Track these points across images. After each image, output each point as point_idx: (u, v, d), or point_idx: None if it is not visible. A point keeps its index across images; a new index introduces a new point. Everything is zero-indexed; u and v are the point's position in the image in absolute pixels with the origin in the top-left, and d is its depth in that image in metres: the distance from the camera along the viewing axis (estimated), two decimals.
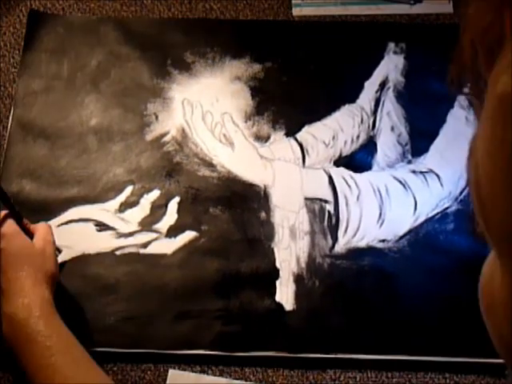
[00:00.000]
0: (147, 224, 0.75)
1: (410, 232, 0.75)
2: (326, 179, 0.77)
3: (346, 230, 0.75)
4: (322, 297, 0.72)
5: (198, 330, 0.70)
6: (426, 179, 0.77)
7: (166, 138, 0.79)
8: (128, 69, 0.83)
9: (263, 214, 0.75)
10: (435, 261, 0.74)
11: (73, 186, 0.76)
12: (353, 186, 0.77)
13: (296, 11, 0.88)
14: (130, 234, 0.74)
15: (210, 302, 0.71)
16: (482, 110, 0.28)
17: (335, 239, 0.75)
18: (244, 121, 0.80)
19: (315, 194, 0.76)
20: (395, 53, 0.84)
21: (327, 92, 0.82)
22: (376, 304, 0.72)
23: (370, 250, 0.74)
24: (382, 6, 0.88)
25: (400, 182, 0.77)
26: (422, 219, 0.75)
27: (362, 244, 0.74)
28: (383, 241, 0.75)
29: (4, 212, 0.66)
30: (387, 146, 0.79)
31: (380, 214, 0.76)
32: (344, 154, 0.79)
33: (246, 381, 0.70)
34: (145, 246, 0.74)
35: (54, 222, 0.74)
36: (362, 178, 0.78)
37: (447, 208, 0.76)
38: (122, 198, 0.76)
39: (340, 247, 0.74)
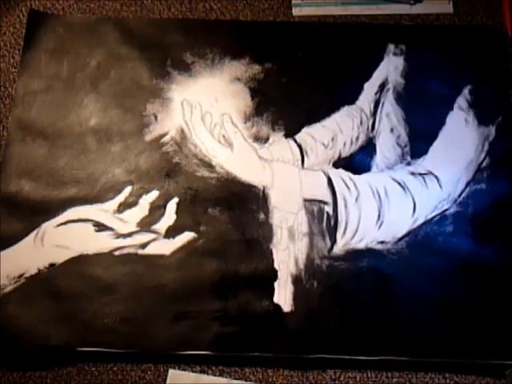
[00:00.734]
0: (146, 224, 0.75)
1: (408, 234, 0.75)
2: (325, 180, 0.77)
3: (344, 232, 0.75)
4: (321, 298, 0.72)
5: (196, 331, 0.70)
6: (425, 181, 0.77)
7: (165, 139, 0.79)
8: (127, 69, 0.83)
9: (262, 215, 0.75)
10: (434, 263, 0.74)
11: (71, 186, 0.77)
12: (352, 188, 0.77)
13: (296, 11, 0.88)
14: (129, 235, 0.74)
15: (208, 303, 0.71)
16: None
17: (334, 241, 0.75)
18: (243, 122, 0.80)
19: (314, 195, 0.76)
20: (395, 54, 0.84)
21: (327, 93, 0.82)
22: (374, 306, 0.72)
23: (368, 252, 0.74)
24: (382, 5, 0.88)
25: (399, 183, 0.77)
26: (420, 221, 0.75)
27: (361, 246, 0.75)
28: (382, 242, 0.75)
29: None
30: (386, 147, 0.79)
31: (379, 216, 0.76)
32: (343, 156, 0.79)
33: (246, 381, 0.70)
34: (143, 246, 0.74)
35: (52, 222, 0.74)
36: (360, 179, 0.78)
37: (446, 210, 0.76)
38: (120, 198, 0.76)
39: (338, 249, 0.74)
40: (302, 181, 0.77)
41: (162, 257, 0.74)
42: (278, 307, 0.71)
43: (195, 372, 0.70)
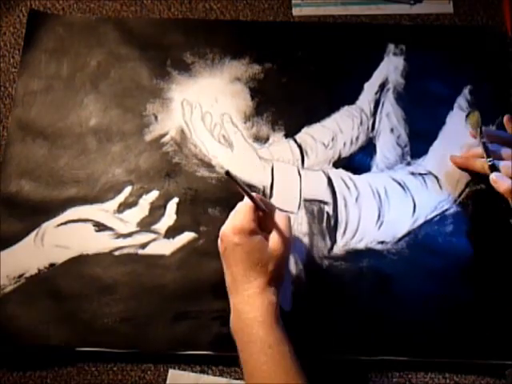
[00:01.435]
0: (146, 225, 0.75)
1: (408, 234, 0.75)
2: (325, 180, 0.77)
3: (344, 232, 0.75)
4: (320, 298, 0.72)
5: (196, 331, 0.71)
6: (424, 181, 0.78)
7: (165, 139, 0.79)
8: (127, 69, 0.83)
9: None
10: (434, 263, 0.74)
11: (72, 186, 0.77)
12: (352, 188, 0.77)
13: (296, 11, 0.88)
14: (129, 235, 0.74)
15: (209, 303, 0.71)
16: None
17: (334, 241, 0.75)
18: (243, 122, 0.80)
19: (314, 195, 0.76)
20: (395, 54, 0.84)
21: (327, 93, 0.82)
22: (374, 305, 0.72)
23: (368, 252, 0.74)
24: (382, 5, 0.88)
25: (399, 183, 0.77)
26: (420, 221, 0.75)
27: (361, 246, 0.75)
28: (382, 242, 0.75)
29: (246, 206, 0.66)
30: (386, 147, 0.79)
31: (379, 216, 0.76)
32: (343, 156, 0.79)
33: None
34: (143, 246, 0.74)
35: (52, 222, 0.75)
36: (360, 179, 0.78)
37: (446, 210, 0.76)
38: (120, 198, 0.76)
39: (338, 249, 0.74)
40: (302, 181, 0.77)
41: (162, 257, 0.74)
42: None
43: (195, 372, 0.70)
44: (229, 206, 0.74)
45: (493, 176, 0.72)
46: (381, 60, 0.83)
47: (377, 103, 0.81)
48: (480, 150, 0.75)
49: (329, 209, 0.76)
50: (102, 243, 0.74)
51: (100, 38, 0.84)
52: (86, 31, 0.84)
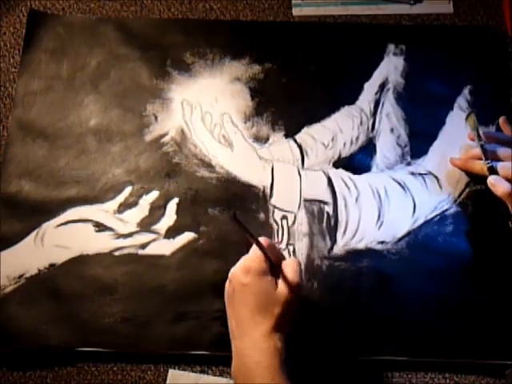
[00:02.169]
0: (146, 225, 0.75)
1: (408, 234, 0.75)
2: (325, 180, 0.77)
3: (344, 232, 0.75)
4: (321, 298, 0.72)
5: (197, 331, 0.71)
6: (424, 181, 0.78)
7: (165, 139, 0.79)
8: (127, 69, 0.83)
9: (262, 215, 0.75)
10: (434, 263, 0.74)
11: (72, 187, 0.77)
12: (352, 188, 0.77)
13: (296, 11, 0.88)
14: (129, 235, 0.74)
15: (209, 303, 0.71)
16: None
17: (334, 241, 0.75)
18: (243, 122, 0.80)
19: (314, 195, 0.76)
20: (395, 54, 0.84)
21: (327, 93, 0.82)
22: (374, 306, 0.72)
23: (368, 252, 0.74)
24: (382, 6, 0.88)
25: (399, 183, 0.77)
26: (420, 221, 0.75)
27: (361, 246, 0.75)
28: (382, 242, 0.75)
29: (258, 245, 0.64)
30: (386, 147, 0.79)
31: (379, 216, 0.76)
32: (343, 156, 0.79)
33: None
34: (143, 246, 0.74)
35: (52, 223, 0.75)
36: (360, 179, 0.78)
37: (446, 210, 0.76)
38: (120, 198, 0.76)
39: (339, 249, 0.74)
40: (302, 181, 0.77)
41: (162, 257, 0.74)
42: None
43: (195, 372, 0.70)
44: (229, 206, 0.75)
45: (490, 179, 0.72)
46: (381, 60, 0.83)
47: (377, 103, 0.81)
48: (479, 151, 0.75)
49: (329, 209, 0.76)
50: (102, 243, 0.74)
51: (100, 38, 0.84)
52: (86, 31, 0.84)
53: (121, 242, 0.74)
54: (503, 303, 0.72)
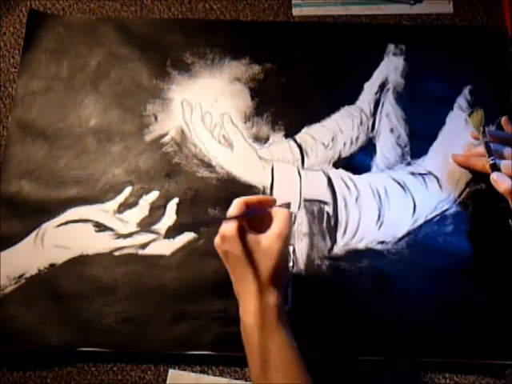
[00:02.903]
0: (146, 225, 0.75)
1: (408, 234, 0.75)
2: (325, 181, 0.77)
3: (344, 232, 0.75)
4: (321, 298, 0.72)
5: (197, 331, 0.71)
6: (424, 181, 0.78)
7: (165, 139, 0.79)
8: (127, 69, 0.83)
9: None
10: (434, 263, 0.74)
11: (72, 187, 0.77)
12: (352, 188, 0.77)
13: (296, 11, 0.88)
14: (129, 235, 0.74)
15: (209, 303, 0.72)
16: None
17: (334, 241, 0.75)
18: (243, 122, 0.80)
19: (314, 195, 0.76)
20: (395, 54, 0.84)
21: (327, 93, 0.82)
22: (374, 305, 0.72)
23: (368, 252, 0.74)
24: (382, 6, 0.88)
25: (399, 183, 0.77)
26: (420, 221, 0.75)
27: (361, 246, 0.75)
28: (382, 242, 0.75)
29: (230, 214, 0.64)
30: (386, 147, 0.79)
31: (379, 216, 0.76)
32: (343, 156, 0.79)
33: (246, 381, 0.70)
34: (143, 246, 0.74)
35: (52, 223, 0.75)
36: (360, 179, 0.78)
37: (446, 210, 0.76)
38: (120, 198, 0.76)
39: (339, 249, 0.74)
40: (302, 181, 0.77)
41: (162, 257, 0.74)
42: None
43: (195, 372, 0.70)
44: (229, 206, 0.74)
45: (493, 176, 0.72)
46: (381, 60, 0.83)
47: (377, 103, 0.81)
48: (481, 148, 0.75)
49: (329, 209, 0.76)
50: (102, 243, 0.74)
51: (100, 38, 0.84)
52: (86, 31, 0.85)
53: (121, 242, 0.74)
54: (503, 303, 0.72)
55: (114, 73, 0.82)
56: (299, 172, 0.78)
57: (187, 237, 0.74)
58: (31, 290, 0.72)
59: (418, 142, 0.79)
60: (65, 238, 0.74)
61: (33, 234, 0.74)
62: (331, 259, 0.74)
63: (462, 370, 0.71)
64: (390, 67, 0.83)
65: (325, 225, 0.75)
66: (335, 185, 0.77)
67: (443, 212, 0.76)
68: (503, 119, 0.78)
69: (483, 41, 0.85)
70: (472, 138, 0.78)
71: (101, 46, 0.84)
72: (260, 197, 0.68)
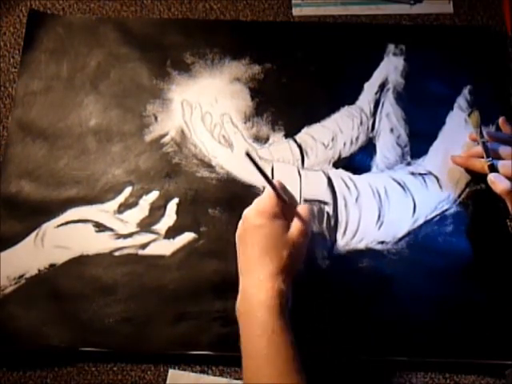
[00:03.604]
0: (146, 225, 0.75)
1: (408, 234, 0.75)
2: (325, 181, 0.77)
3: (344, 232, 0.75)
4: (321, 298, 0.72)
5: (197, 332, 0.71)
6: (425, 181, 0.78)
7: (165, 139, 0.79)
8: (127, 69, 0.83)
9: None
10: (434, 263, 0.74)
11: (72, 187, 0.77)
12: (352, 188, 0.77)
13: (296, 11, 0.88)
14: (129, 235, 0.74)
15: (209, 304, 0.71)
16: None
17: (334, 241, 0.75)
18: (243, 122, 0.80)
19: (314, 195, 0.76)
20: (395, 54, 0.84)
21: (327, 93, 0.82)
22: (374, 305, 0.72)
23: (368, 252, 0.74)
24: (382, 5, 0.88)
25: (399, 183, 0.77)
26: (420, 221, 0.75)
27: (361, 246, 0.75)
28: (382, 242, 0.75)
29: (271, 191, 0.66)
30: (386, 147, 0.79)
31: (379, 216, 0.76)
32: (343, 156, 0.79)
33: None
34: (143, 247, 0.74)
35: (52, 223, 0.75)
36: (361, 179, 0.78)
37: (446, 210, 0.76)
38: (120, 198, 0.76)
39: (339, 249, 0.74)
40: (302, 181, 0.77)
41: (162, 257, 0.74)
42: None
43: (195, 372, 0.70)
44: (229, 206, 0.75)
45: (491, 177, 0.72)
46: (381, 60, 0.83)
47: (377, 103, 0.81)
48: (480, 149, 0.75)
49: (329, 209, 0.76)
50: (102, 244, 0.74)
51: (100, 38, 0.84)
52: (86, 31, 0.85)
53: (121, 243, 0.74)
54: (503, 303, 0.72)
55: (114, 73, 0.82)
56: (299, 172, 0.78)
57: (187, 237, 0.74)
58: (31, 290, 0.72)
59: (418, 141, 0.79)
60: (65, 239, 0.74)
61: (33, 235, 0.74)
62: (331, 259, 0.74)
63: (462, 370, 0.71)
64: (390, 67, 0.83)
65: (325, 225, 0.75)
66: (335, 185, 0.77)
67: (443, 212, 0.76)
68: (501, 120, 0.78)
69: (483, 41, 0.85)
70: (470, 140, 0.78)
71: (101, 46, 0.84)
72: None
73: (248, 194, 0.76)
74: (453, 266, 0.74)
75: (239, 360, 0.67)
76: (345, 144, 0.80)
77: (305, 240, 0.66)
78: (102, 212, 0.75)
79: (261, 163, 0.77)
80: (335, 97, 0.82)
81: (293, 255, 0.64)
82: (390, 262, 0.74)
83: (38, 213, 0.75)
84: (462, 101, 0.81)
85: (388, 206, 0.76)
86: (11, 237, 0.74)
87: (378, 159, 0.79)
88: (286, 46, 0.84)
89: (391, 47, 0.84)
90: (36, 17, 0.86)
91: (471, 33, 0.86)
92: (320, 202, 0.76)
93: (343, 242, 0.75)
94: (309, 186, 0.77)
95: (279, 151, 0.79)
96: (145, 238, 0.74)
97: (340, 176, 0.78)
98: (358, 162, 0.79)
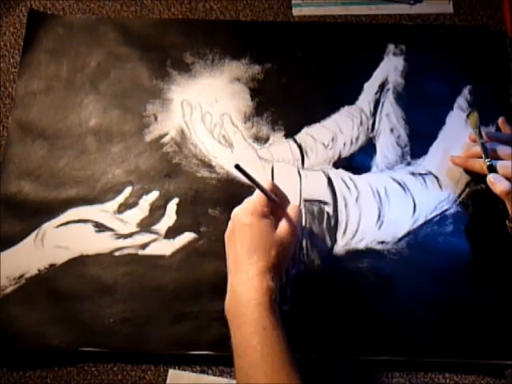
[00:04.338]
0: (146, 225, 0.75)
1: (408, 234, 0.75)
2: (325, 181, 0.77)
3: (344, 232, 0.75)
4: (320, 298, 0.72)
5: (197, 332, 0.71)
6: (425, 181, 0.78)
7: (165, 139, 0.79)
8: (127, 69, 0.83)
9: None
10: (434, 263, 0.74)
11: (72, 187, 0.77)
12: (352, 188, 0.77)
13: (296, 11, 0.88)
14: (129, 235, 0.74)
15: (209, 304, 0.71)
16: None
17: (334, 241, 0.75)
18: (243, 122, 0.80)
19: (314, 195, 0.76)
20: (395, 54, 0.84)
21: (327, 93, 0.82)
22: (374, 305, 0.72)
23: (368, 252, 0.74)
24: (382, 5, 0.88)
25: (399, 183, 0.77)
26: (420, 221, 0.75)
27: (361, 246, 0.75)
28: (382, 242, 0.75)
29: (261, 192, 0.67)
30: (386, 147, 0.79)
31: (379, 216, 0.76)
32: (343, 156, 0.79)
33: None
34: (143, 247, 0.74)
35: (52, 223, 0.75)
36: (361, 179, 0.78)
37: (446, 210, 0.76)
38: (120, 198, 0.76)
39: (339, 249, 0.74)
40: (302, 181, 0.77)
41: (162, 257, 0.74)
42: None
43: (195, 372, 0.70)
44: (229, 206, 0.74)
45: (490, 177, 0.72)
46: (381, 60, 0.83)
47: (377, 103, 0.81)
48: (479, 149, 0.75)
49: (329, 209, 0.76)
50: (102, 244, 0.74)
51: (100, 38, 0.84)
52: (86, 31, 0.85)
53: (121, 243, 0.74)
54: (503, 303, 0.72)
55: (114, 73, 0.82)
56: (299, 172, 0.78)
57: (187, 237, 0.74)
58: (31, 290, 0.72)
59: (418, 142, 0.79)
60: (65, 239, 0.74)
61: (33, 235, 0.74)
62: (331, 259, 0.74)
63: (461, 370, 0.71)
64: (390, 67, 0.83)
65: (325, 225, 0.75)
66: (335, 185, 0.77)
67: (443, 212, 0.76)
68: (500, 120, 0.78)
69: (483, 41, 0.85)
70: (470, 141, 0.78)
71: (101, 46, 0.84)
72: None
73: (248, 194, 0.75)
74: (452, 266, 0.73)
75: (230, 342, 0.67)
76: (345, 144, 0.80)
77: (293, 239, 0.66)
78: (102, 212, 0.75)
79: (261, 163, 0.78)
80: (335, 97, 0.82)
81: (280, 254, 0.64)
82: (390, 262, 0.74)
83: (38, 213, 0.75)
84: (461, 101, 0.81)
85: (388, 206, 0.76)
86: (11, 237, 0.74)
87: (378, 159, 0.79)
88: (286, 45, 0.84)
89: (391, 47, 0.84)
90: (36, 17, 0.86)
91: (471, 33, 0.86)
92: (320, 202, 0.76)
93: (343, 241, 0.75)
94: (309, 186, 0.77)
95: (279, 151, 0.79)
96: (145, 238, 0.74)
97: (340, 176, 0.78)
98: (358, 162, 0.79)
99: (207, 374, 0.71)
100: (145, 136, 0.79)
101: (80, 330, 0.70)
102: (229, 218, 0.68)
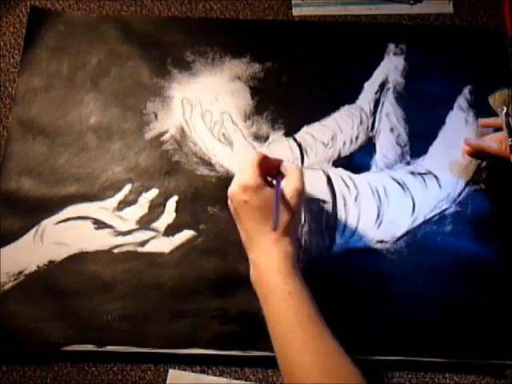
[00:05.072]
0: (145, 222, 0.75)
1: (407, 233, 0.75)
2: (325, 179, 0.77)
3: (343, 231, 0.75)
4: (319, 297, 0.72)
5: (195, 329, 0.70)
6: (424, 181, 0.78)
7: (165, 137, 0.79)
8: (128, 67, 0.83)
9: None
10: (433, 262, 0.74)
11: (71, 184, 0.77)
12: (351, 187, 0.77)
13: (296, 11, 0.88)
14: (128, 233, 0.74)
15: (208, 301, 0.71)
16: None
17: (333, 240, 0.75)
18: (243, 120, 0.81)
19: (313, 194, 0.76)
20: (395, 54, 0.84)
21: (327, 92, 0.82)
22: (373, 305, 0.72)
23: (367, 251, 0.74)
24: (382, 5, 0.89)
25: (398, 183, 0.77)
26: (420, 221, 0.75)
27: (360, 245, 0.74)
28: (381, 242, 0.75)
29: (249, 162, 0.66)
30: (386, 147, 0.79)
31: (378, 215, 0.76)
32: (343, 155, 0.79)
33: (246, 381, 0.70)
34: (142, 244, 0.74)
35: (52, 220, 0.75)
36: (360, 178, 0.78)
37: (445, 210, 0.76)
38: (120, 196, 0.76)
39: (338, 248, 0.74)
40: None
41: (161, 255, 0.74)
42: None
43: (195, 372, 0.70)
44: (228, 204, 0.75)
45: None
46: (381, 59, 0.84)
47: (377, 103, 0.82)
48: (494, 134, 0.74)
49: (328, 208, 0.76)
50: (102, 241, 0.74)
51: (101, 36, 0.84)
52: (87, 29, 0.85)
53: (120, 240, 0.74)
54: (503, 303, 0.72)
55: (115, 71, 0.82)
56: None
57: (186, 235, 0.74)
58: (30, 286, 0.72)
59: (418, 141, 0.79)
60: (64, 235, 0.74)
61: (32, 231, 0.74)
62: (330, 258, 0.74)
63: (462, 370, 0.71)
64: (391, 67, 0.83)
65: (324, 224, 0.75)
66: (335, 184, 0.77)
67: (442, 211, 0.76)
68: (480, 122, 0.78)
69: (483, 41, 0.85)
70: (480, 127, 0.78)
71: (101, 43, 0.84)
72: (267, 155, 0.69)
73: None
74: (452, 266, 0.73)
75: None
76: (344, 143, 0.80)
77: (299, 198, 0.66)
78: (101, 209, 0.75)
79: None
80: (335, 96, 0.82)
81: (288, 216, 0.65)
82: (389, 262, 0.74)
83: (38, 209, 0.75)
84: (462, 101, 0.81)
85: (387, 205, 0.76)
86: (11, 233, 0.74)
87: (378, 158, 0.79)
88: (286, 44, 0.84)
89: (391, 47, 0.84)
90: (37, 14, 0.86)
91: (471, 33, 0.86)
92: (319, 200, 0.76)
93: (342, 240, 0.75)
94: (308, 185, 0.76)
95: (279, 150, 0.79)
96: (144, 235, 0.74)
97: (339, 175, 0.78)
98: (357, 161, 0.79)
99: (207, 373, 0.70)
100: (145, 134, 0.79)
101: (79, 327, 0.70)
102: (228, 216, 0.69)
